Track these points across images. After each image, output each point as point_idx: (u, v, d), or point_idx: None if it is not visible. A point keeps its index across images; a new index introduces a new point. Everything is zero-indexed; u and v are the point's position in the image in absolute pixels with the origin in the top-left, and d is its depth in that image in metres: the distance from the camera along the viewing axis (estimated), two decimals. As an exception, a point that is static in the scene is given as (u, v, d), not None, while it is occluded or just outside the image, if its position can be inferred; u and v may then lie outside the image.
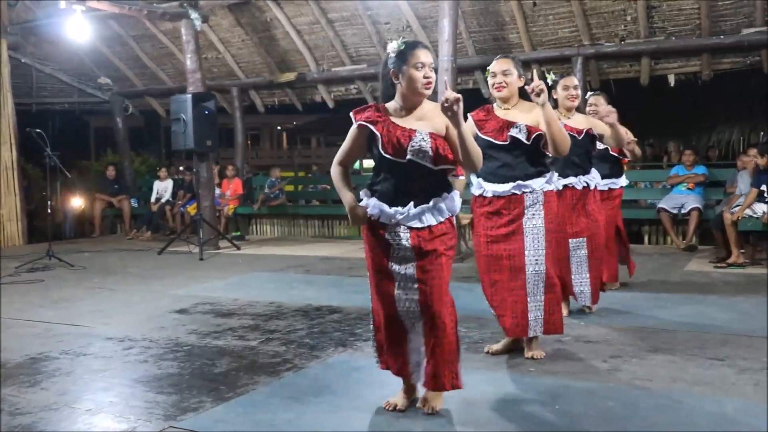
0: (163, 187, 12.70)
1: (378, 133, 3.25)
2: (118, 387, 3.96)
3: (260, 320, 5.50)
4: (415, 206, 3.25)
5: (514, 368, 4.10)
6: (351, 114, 3.36)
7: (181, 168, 12.95)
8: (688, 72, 9.86)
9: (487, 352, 4.39)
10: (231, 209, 11.79)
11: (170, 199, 12.51)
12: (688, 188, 9.09)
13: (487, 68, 4.27)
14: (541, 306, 4.19)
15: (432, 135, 3.23)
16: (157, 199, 12.60)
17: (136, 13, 10.16)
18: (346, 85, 12.03)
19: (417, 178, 3.26)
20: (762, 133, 13.55)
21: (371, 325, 3.51)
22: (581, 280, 5.16)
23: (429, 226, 3.26)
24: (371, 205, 3.31)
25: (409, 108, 3.30)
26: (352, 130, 3.36)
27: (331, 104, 12.25)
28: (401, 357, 3.40)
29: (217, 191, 11.58)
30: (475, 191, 4.33)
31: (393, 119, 3.30)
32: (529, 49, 10.13)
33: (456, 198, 3.32)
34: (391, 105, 3.34)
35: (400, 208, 3.25)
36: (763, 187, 7.54)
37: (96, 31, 11.40)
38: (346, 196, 3.35)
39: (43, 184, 11.08)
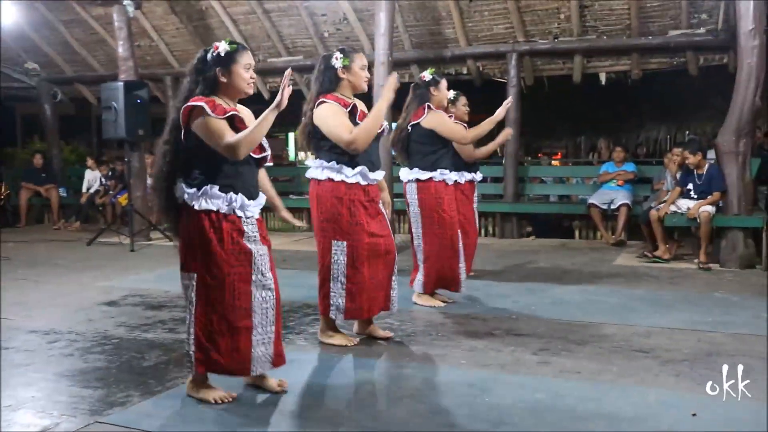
0: (93, 177, 12.40)
1: None
2: (42, 381, 3.85)
3: (191, 313, 5.41)
4: None
5: (444, 360, 4.14)
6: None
7: (110, 164, 12.54)
8: (618, 71, 10.07)
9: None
10: (163, 200, 11.53)
11: (99, 189, 12.22)
12: (618, 184, 9.32)
13: (349, 56, 4.32)
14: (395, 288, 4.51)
15: None
16: (88, 189, 12.31)
17: (66, -4, 9.86)
18: (281, 76, 11.84)
19: None
20: (687, 132, 13.96)
21: None
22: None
23: None
24: None
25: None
26: None
27: (266, 95, 12.08)
28: None
29: (150, 181, 11.36)
30: (357, 179, 4.29)
31: None
32: (464, 45, 10.21)
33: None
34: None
35: None
36: (690, 186, 7.77)
37: (22, 15, 11.02)
38: None
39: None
